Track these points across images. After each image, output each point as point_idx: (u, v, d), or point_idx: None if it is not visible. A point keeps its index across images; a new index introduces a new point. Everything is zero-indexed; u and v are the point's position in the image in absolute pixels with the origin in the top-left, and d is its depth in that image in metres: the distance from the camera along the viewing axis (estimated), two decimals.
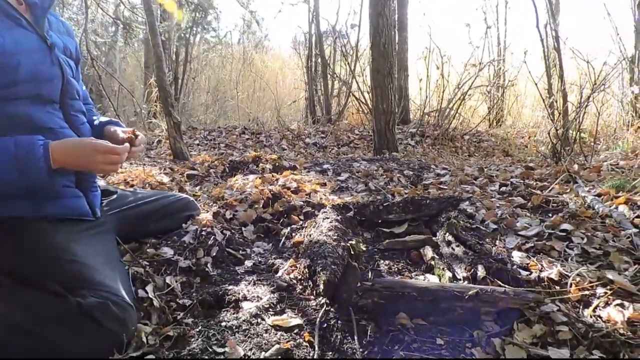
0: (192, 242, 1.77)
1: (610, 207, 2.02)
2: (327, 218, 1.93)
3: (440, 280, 1.55)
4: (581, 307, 1.38)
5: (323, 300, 1.41)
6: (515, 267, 1.49)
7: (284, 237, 2.03)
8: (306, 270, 1.57)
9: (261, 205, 2.30)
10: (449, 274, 1.54)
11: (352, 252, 1.70)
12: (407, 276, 1.65)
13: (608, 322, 1.29)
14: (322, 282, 1.41)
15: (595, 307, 1.36)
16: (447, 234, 1.74)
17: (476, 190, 2.55)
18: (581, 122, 3.19)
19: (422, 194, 2.14)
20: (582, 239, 1.73)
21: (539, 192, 2.40)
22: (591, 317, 1.33)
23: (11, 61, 1.23)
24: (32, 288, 1.20)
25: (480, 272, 1.43)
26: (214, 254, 1.76)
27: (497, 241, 1.76)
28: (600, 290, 1.42)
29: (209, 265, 1.70)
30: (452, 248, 1.67)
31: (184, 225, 1.87)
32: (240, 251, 1.88)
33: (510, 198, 2.35)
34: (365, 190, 2.72)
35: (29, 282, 1.22)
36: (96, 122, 1.60)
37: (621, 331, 1.23)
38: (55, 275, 1.23)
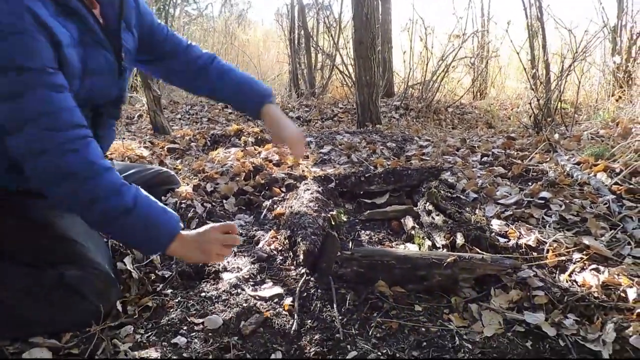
0: None
1: (589, 174, 2.04)
2: (308, 189, 1.91)
3: (420, 248, 1.56)
4: (557, 272, 1.40)
5: (303, 270, 1.41)
6: (493, 234, 1.50)
7: (265, 210, 2.01)
8: (287, 241, 1.56)
9: (242, 178, 2.27)
10: (428, 242, 1.55)
11: (333, 223, 1.70)
12: (387, 245, 1.65)
13: (583, 286, 1.31)
14: (301, 252, 1.40)
15: (571, 272, 1.38)
16: (428, 203, 1.74)
17: (458, 160, 2.55)
18: (562, 92, 3.19)
19: (404, 165, 2.13)
20: (560, 206, 1.75)
21: (519, 161, 2.42)
22: (567, 281, 1.35)
23: (80, 81, 1.14)
24: (14, 262, 1.17)
25: (459, 239, 1.43)
26: (194, 226, 1.74)
27: (477, 210, 1.77)
28: (576, 256, 1.44)
29: None
30: (432, 217, 1.67)
31: (163, 198, 1.84)
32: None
33: (491, 168, 2.36)
34: (347, 162, 2.71)
35: (11, 256, 1.19)
36: (227, 81, 1.53)
37: (596, 294, 1.26)
38: (39, 250, 1.21)
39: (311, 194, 1.85)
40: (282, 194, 2.14)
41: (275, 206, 2.02)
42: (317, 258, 1.40)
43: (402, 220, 1.80)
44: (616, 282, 1.28)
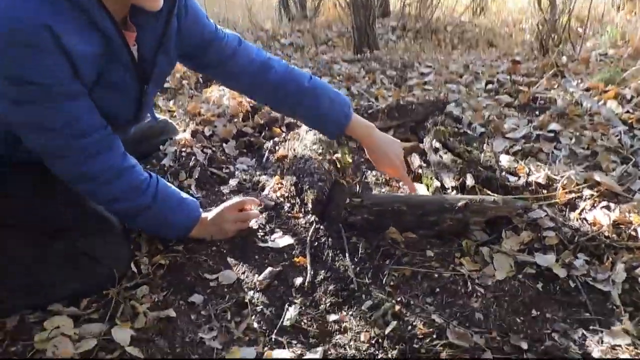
0: (173, 165, 1.70)
1: (599, 102, 1.98)
2: (310, 130, 1.85)
3: (428, 189, 1.54)
4: (568, 210, 1.40)
5: (312, 218, 1.40)
6: (503, 173, 1.47)
7: (267, 152, 1.96)
8: (293, 188, 1.53)
9: (241, 119, 2.19)
10: (437, 183, 1.52)
11: (339, 166, 1.67)
12: (395, 187, 1.63)
13: (594, 225, 1.31)
14: (310, 200, 1.38)
15: (582, 210, 1.37)
16: (435, 140, 1.69)
17: (462, 89, 2.47)
18: (572, 9, 3.03)
19: (407, 99, 2.06)
20: (570, 139, 1.71)
21: (526, 88, 2.34)
22: (577, 220, 1.35)
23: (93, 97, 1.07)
24: (23, 231, 1.16)
25: (469, 181, 1.41)
26: (197, 175, 1.70)
27: (485, 145, 1.73)
28: (587, 192, 1.43)
29: (192, 187, 1.65)
30: (439, 156, 1.63)
31: (162, 147, 1.78)
32: (224, 169, 1.82)
33: (497, 97, 2.28)
34: (347, 95, 2.61)
35: (21, 225, 1.17)
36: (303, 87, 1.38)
37: (606, 234, 1.26)
38: (49, 217, 1.19)
39: (314, 135, 1.80)
40: (283, 134, 2.08)
41: (276, 147, 1.97)
42: (326, 206, 1.38)
43: (408, 159, 1.76)
44: (627, 220, 1.28)
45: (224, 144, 2.01)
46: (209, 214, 1.33)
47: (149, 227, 1.27)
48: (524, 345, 1.01)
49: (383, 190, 1.62)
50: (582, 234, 1.26)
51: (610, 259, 1.19)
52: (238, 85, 1.44)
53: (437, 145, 1.68)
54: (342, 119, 1.39)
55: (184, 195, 1.27)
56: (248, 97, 1.62)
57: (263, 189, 1.66)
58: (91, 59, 1.00)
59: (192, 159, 1.76)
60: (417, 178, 1.66)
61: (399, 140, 1.48)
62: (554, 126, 1.79)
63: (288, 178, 1.58)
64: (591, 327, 1.05)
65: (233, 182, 1.72)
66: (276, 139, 2.03)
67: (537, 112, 2.05)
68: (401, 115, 1.97)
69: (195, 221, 1.27)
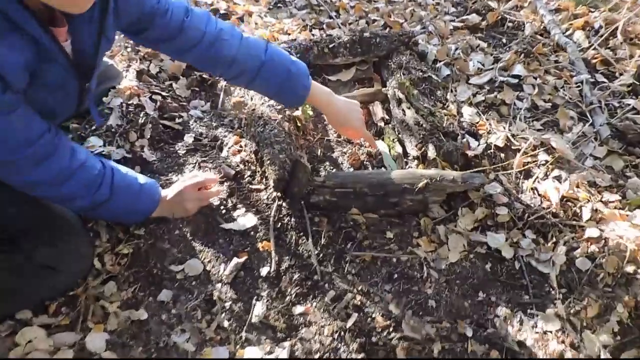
0: (121, 124, 1.58)
1: (566, 33, 1.91)
2: None
3: (389, 151, 1.53)
4: (522, 178, 1.44)
5: (274, 194, 1.39)
6: (465, 139, 1.47)
7: (222, 92, 1.84)
8: (253, 155, 1.49)
9: None
10: (399, 148, 1.51)
11: (299, 125, 1.60)
12: (356, 143, 1.61)
13: (544, 199, 1.37)
14: (271, 180, 1.36)
15: (535, 179, 1.42)
16: (398, 91, 1.63)
17: (429, 3, 2.28)
18: None
19: (371, 30, 1.89)
20: (533, 87, 1.69)
21: (496, 4, 2.20)
22: (530, 191, 1.40)
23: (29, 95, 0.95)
24: None
25: (431, 152, 1.41)
26: (149, 134, 1.60)
27: (449, 93, 1.68)
28: (542, 157, 1.47)
29: (145, 149, 1.56)
30: (402, 110, 1.59)
31: (105, 100, 1.63)
32: (177, 119, 1.71)
33: (464, 17, 2.14)
34: (306, 6, 2.38)
35: None
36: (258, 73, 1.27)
37: (554, 211, 1.33)
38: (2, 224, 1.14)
39: None
40: None
41: (232, 87, 1.85)
42: (288, 183, 1.37)
43: (370, 108, 1.71)
44: (574, 196, 1.35)
45: (174, 84, 1.86)
46: (168, 192, 1.30)
47: (110, 218, 1.27)
48: (469, 333, 1.13)
49: (344, 149, 1.59)
50: (532, 212, 1.33)
51: (554, 238, 1.28)
52: (190, 61, 1.30)
53: (401, 95, 1.62)
54: (300, 91, 1.31)
55: (141, 179, 1.23)
56: (202, 70, 1.48)
57: (221, 148, 1.60)
58: (22, 66, 0.87)
59: (142, 114, 1.63)
60: (380, 134, 1.63)
61: (357, 103, 1.42)
62: (518, 69, 1.74)
63: (248, 144, 1.52)
64: (529, 311, 1.18)
65: (189, 139, 1.64)
66: None
67: (504, 41, 1.97)
68: (364, 50, 1.84)
69: (156, 204, 1.25)
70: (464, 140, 1.46)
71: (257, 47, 1.25)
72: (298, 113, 1.58)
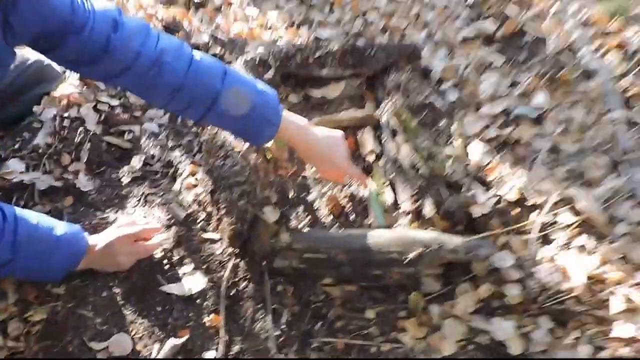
0: (52, 143, 1.29)
1: (598, 53, 1.61)
2: None
3: (378, 197, 1.25)
4: (539, 244, 1.17)
5: (230, 250, 1.12)
6: (471, 191, 1.18)
7: None
8: (209, 197, 1.20)
9: None
10: (390, 195, 1.23)
11: (268, 157, 1.32)
12: (339, 184, 1.32)
13: (564, 276, 1.10)
14: (226, 235, 1.08)
15: (555, 245, 1.15)
16: (393, 120, 1.34)
17: (437, 4, 1.96)
18: None
19: (366, 39, 1.58)
20: (557, 124, 1.40)
21: (514, 12, 1.88)
22: (548, 262, 1.13)
23: None
24: None
25: (428, 209, 1.13)
26: (87, 156, 1.31)
27: (455, 125, 1.39)
28: (564, 218, 1.19)
29: (80, 175, 1.28)
30: (397, 143, 1.31)
31: (36, 109, 1.33)
32: (126, 134, 1.42)
33: (477, 23, 1.83)
34: None
35: None
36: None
37: (577, 294, 1.06)
38: None
39: None
40: None
41: None
42: (247, 240, 1.09)
43: (358, 136, 1.42)
44: (601, 277, 1.08)
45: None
46: (98, 241, 1.05)
47: (20, 277, 1.03)
48: None
49: (323, 189, 1.30)
50: (549, 295, 1.06)
51: (576, 332, 1.02)
52: (122, 88, 1.02)
53: (396, 126, 1.33)
54: (266, 129, 1.03)
55: (59, 229, 0.97)
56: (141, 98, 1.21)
57: (174, 178, 1.32)
58: None
59: (80, 129, 1.34)
60: (368, 170, 1.35)
61: (340, 134, 1.14)
62: (539, 99, 1.44)
63: (205, 179, 1.23)
64: None
65: (137, 162, 1.35)
66: None
67: (522, 59, 1.67)
68: (357, 62, 1.54)
69: (79, 258, 1.02)
70: (470, 193, 1.18)
71: (211, 72, 0.96)
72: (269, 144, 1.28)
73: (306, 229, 1.18)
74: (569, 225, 1.18)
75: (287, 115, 1.05)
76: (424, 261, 1.04)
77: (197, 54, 0.97)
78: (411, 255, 1.03)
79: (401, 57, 1.54)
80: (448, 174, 1.19)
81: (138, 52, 0.89)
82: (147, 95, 1.00)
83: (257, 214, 1.06)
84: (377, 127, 1.45)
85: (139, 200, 1.25)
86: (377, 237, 1.07)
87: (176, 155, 1.37)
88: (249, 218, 1.08)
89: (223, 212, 1.11)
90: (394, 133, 1.35)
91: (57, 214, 1.19)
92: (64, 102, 1.35)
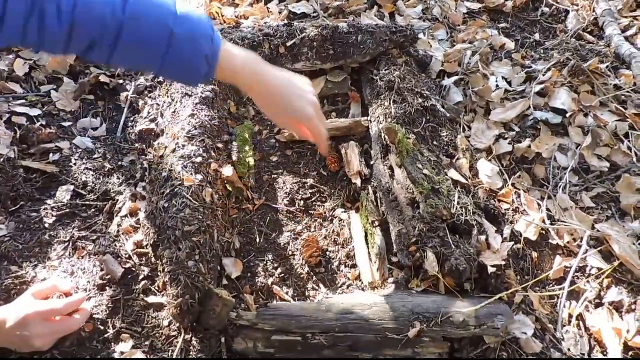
0: None
1: (628, 31, 1.34)
2: (189, 95, 1.14)
3: (367, 240, 1.01)
4: (563, 298, 0.95)
5: (177, 325, 0.88)
6: (483, 236, 0.95)
7: (126, 105, 1.25)
8: (151, 249, 0.95)
9: None
10: (381, 243, 0.98)
11: (231, 190, 1.05)
12: (317, 215, 1.07)
13: (596, 342, 0.90)
14: (171, 312, 0.84)
15: (584, 301, 0.94)
16: (384, 133, 1.07)
17: None
18: None
19: (351, 22, 1.26)
20: (584, 133, 1.14)
21: None
22: (574, 324, 0.92)
23: None
24: None
25: (430, 264, 0.89)
26: None
27: (460, 137, 1.13)
28: (594, 262, 0.97)
29: None
30: (389, 168, 1.05)
31: None
32: (52, 154, 1.14)
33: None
34: None
35: None
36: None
37: None
38: None
39: (193, 110, 1.10)
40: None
41: (140, 101, 1.25)
42: (200, 313, 0.85)
43: (343, 150, 1.15)
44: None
45: (54, 92, 1.25)
46: (7, 317, 0.83)
47: None
48: None
49: (299, 227, 1.05)
50: None
51: None
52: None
53: (388, 140, 1.06)
54: (198, 64, 0.74)
55: None
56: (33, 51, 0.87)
57: (111, 216, 1.05)
58: None
59: None
60: (354, 200, 1.09)
61: (307, 79, 0.86)
62: (561, 98, 1.17)
63: (147, 225, 0.97)
64: None
65: (65, 193, 1.08)
66: (142, 82, 1.29)
67: (538, 38, 1.39)
68: (339, 52, 1.24)
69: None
70: (482, 238, 0.94)
71: (105, 1, 0.68)
72: (229, 173, 1.01)
73: (277, 290, 0.94)
74: (599, 272, 0.95)
75: (231, 48, 0.77)
76: (424, 340, 0.82)
77: None
78: (410, 333, 0.81)
79: (393, 45, 1.25)
80: (455, 213, 0.94)
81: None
82: (38, 43, 0.70)
83: (210, 288, 0.81)
84: (364, 140, 1.18)
85: (65, 247, 0.99)
86: (365, 308, 0.84)
87: (114, 182, 1.10)
88: (201, 289, 0.84)
89: (166, 280, 0.86)
90: (385, 151, 1.09)
91: None
92: None
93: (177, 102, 1.15)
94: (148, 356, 0.87)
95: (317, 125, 0.84)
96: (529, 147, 1.11)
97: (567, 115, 1.16)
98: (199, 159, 1.01)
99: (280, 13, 1.51)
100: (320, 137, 0.85)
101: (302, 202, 1.08)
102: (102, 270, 0.96)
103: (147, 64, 0.75)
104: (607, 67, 1.24)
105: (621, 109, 1.16)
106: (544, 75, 1.23)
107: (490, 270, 0.90)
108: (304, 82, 0.85)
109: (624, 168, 1.09)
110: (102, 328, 0.90)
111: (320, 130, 0.84)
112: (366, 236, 1.01)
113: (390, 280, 0.94)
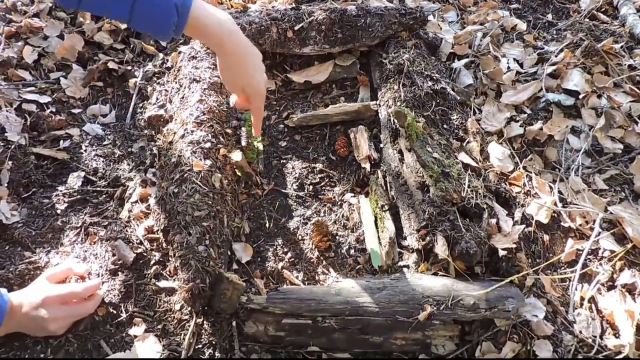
0: None
1: None
2: (197, 81, 1.14)
3: (376, 224, 1.00)
4: (574, 279, 0.94)
5: (188, 309, 0.89)
6: (494, 219, 0.94)
7: (135, 92, 1.25)
8: (162, 234, 0.96)
9: (90, 18, 1.36)
10: (390, 226, 0.98)
11: (240, 174, 1.05)
12: (326, 199, 1.07)
13: (608, 325, 0.89)
14: (182, 296, 0.84)
15: (596, 284, 0.93)
16: (393, 116, 1.06)
17: None
18: None
19: (360, 5, 1.24)
20: (597, 115, 1.12)
21: None
22: (586, 306, 0.91)
23: None
24: None
25: (440, 248, 0.88)
26: (8, 176, 1.05)
27: (470, 119, 1.11)
28: (606, 244, 0.96)
29: (2, 204, 1.02)
30: (399, 152, 1.04)
31: None
32: (62, 141, 1.15)
33: None
34: None
35: None
36: None
37: (625, 352, 0.85)
38: None
39: (201, 96, 1.10)
40: (163, 56, 1.33)
41: (149, 88, 1.25)
42: (211, 297, 0.86)
43: (351, 135, 1.14)
44: None
45: (63, 79, 1.25)
46: (23, 300, 0.84)
47: None
48: None
49: (308, 211, 1.05)
50: (589, 357, 0.85)
51: None
52: None
53: (397, 123, 1.05)
54: (167, 13, 0.74)
55: None
56: None
57: (122, 202, 1.06)
58: None
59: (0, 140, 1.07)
60: (363, 183, 1.09)
61: (257, 51, 0.87)
62: (574, 79, 1.15)
63: (157, 210, 0.98)
64: None
65: (76, 179, 1.09)
66: (150, 68, 1.29)
67: (550, 18, 1.36)
68: (347, 35, 1.23)
69: None
70: (493, 221, 0.93)
71: None
72: (238, 158, 1.01)
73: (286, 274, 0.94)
74: (612, 255, 0.94)
75: (204, 4, 0.78)
76: (435, 323, 0.82)
77: None
78: (421, 316, 0.81)
79: (402, 27, 1.23)
80: (465, 197, 0.93)
81: None
82: None
83: (221, 272, 0.82)
84: (373, 124, 1.17)
85: (77, 233, 1.00)
86: (375, 291, 0.84)
87: (124, 168, 1.11)
88: (211, 273, 0.84)
89: (177, 264, 0.87)
90: (394, 134, 1.08)
91: None
92: None
93: (185, 88, 1.15)
94: (161, 339, 0.88)
95: (262, 105, 0.89)
96: (541, 129, 1.10)
97: (580, 96, 1.14)
98: (208, 144, 1.01)
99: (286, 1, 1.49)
100: (260, 117, 0.91)
101: (311, 187, 1.08)
102: (113, 255, 0.97)
103: (116, 8, 0.74)
104: (622, 47, 1.22)
105: (635, 89, 1.14)
106: (556, 56, 1.21)
107: (501, 253, 0.89)
108: (259, 55, 0.87)
109: (637, 150, 1.07)
110: (115, 312, 0.91)
111: (262, 111, 0.90)
112: (376, 220, 1.00)
113: (400, 263, 0.94)
